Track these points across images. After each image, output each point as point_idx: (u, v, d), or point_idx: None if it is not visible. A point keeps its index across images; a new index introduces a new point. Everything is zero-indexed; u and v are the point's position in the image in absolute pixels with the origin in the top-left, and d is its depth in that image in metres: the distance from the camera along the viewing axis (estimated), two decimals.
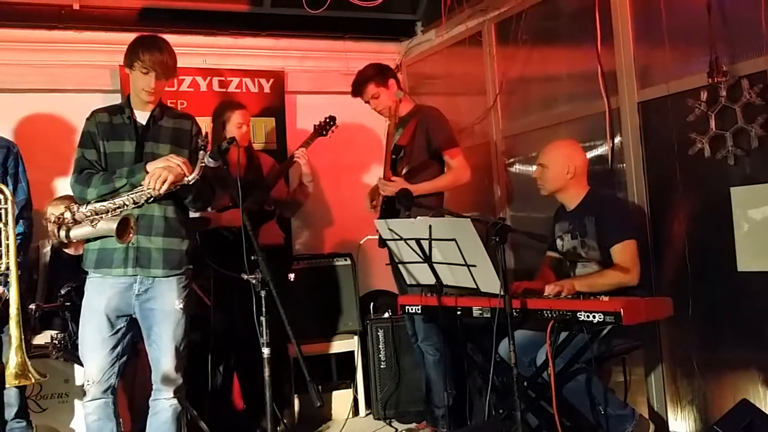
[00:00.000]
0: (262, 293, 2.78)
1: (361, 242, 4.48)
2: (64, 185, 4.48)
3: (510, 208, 4.81)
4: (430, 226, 3.30)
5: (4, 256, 2.59)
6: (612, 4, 3.90)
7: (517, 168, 4.79)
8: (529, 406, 3.34)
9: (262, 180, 4.41)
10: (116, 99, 4.63)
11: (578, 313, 3.06)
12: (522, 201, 4.73)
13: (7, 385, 2.57)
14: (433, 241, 3.32)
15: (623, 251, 3.41)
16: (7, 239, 2.61)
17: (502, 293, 3.05)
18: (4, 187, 2.69)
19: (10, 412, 3.27)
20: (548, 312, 3.16)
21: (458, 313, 3.48)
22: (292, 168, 4.67)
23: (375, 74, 4.23)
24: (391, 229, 3.49)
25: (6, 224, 2.64)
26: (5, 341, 3.06)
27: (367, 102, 4.27)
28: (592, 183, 3.70)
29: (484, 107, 4.94)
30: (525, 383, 3.30)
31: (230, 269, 3.93)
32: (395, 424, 4.59)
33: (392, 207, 4.09)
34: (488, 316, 3.30)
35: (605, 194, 3.81)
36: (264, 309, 2.79)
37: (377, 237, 4.00)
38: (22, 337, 2.51)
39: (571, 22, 4.28)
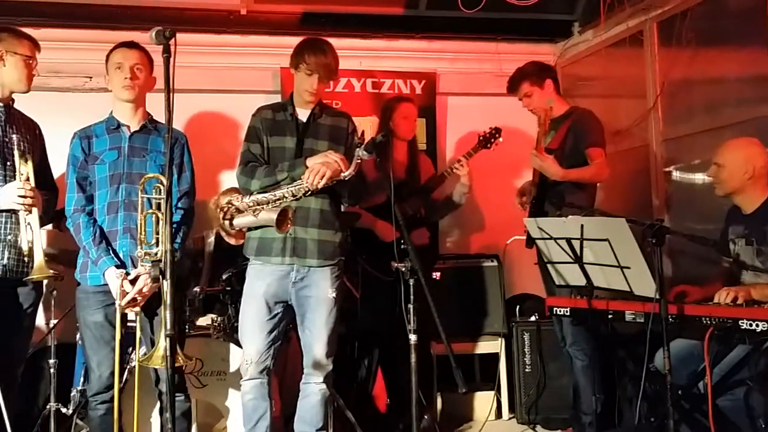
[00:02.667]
0: (411, 281, 2.82)
1: (507, 243, 4.45)
2: (228, 178, 4.75)
3: (668, 216, 4.58)
4: (582, 226, 3.24)
5: (161, 243, 2.66)
6: None
7: (678, 174, 4.57)
8: (682, 417, 3.21)
9: (417, 183, 4.45)
10: (277, 99, 4.84)
11: (740, 321, 2.90)
12: (682, 209, 4.51)
13: (156, 366, 2.73)
14: (584, 241, 3.26)
15: None
16: (165, 227, 2.61)
17: (657, 297, 2.94)
18: (162, 177, 2.79)
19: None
20: (707, 319, 3.01)
21: (609, 316, 3.38)
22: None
23: (532, 73, 4.18)
24: (540, 228, 3.45)
25: (164, 213, 2.68)
26: (157, 324, 3.21)
27: (520, 99, 4.23)
28: None
29: (643, 110, 4.77)
30: (679, 392, 3.16)
31: (378, 270, 4.05)
32: (539, 429, 4.52)
33: (541, 206, 4.04)
34: (641, 321, 3.20)
35: None
36: (412, 297, 2.82)
37: (524, 238, 3.97)
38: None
39: (739, 22, 4.06)
